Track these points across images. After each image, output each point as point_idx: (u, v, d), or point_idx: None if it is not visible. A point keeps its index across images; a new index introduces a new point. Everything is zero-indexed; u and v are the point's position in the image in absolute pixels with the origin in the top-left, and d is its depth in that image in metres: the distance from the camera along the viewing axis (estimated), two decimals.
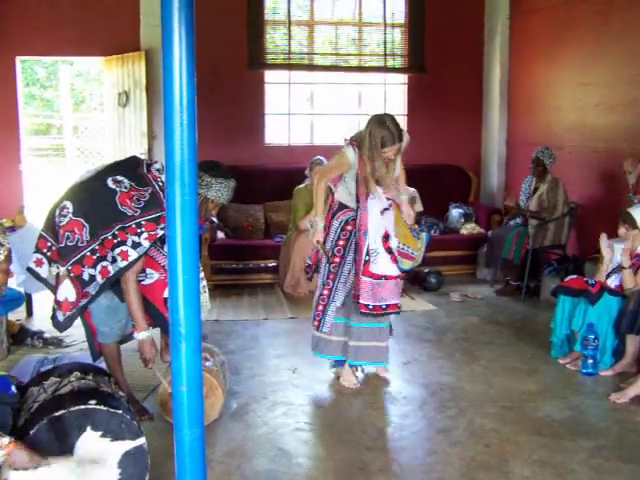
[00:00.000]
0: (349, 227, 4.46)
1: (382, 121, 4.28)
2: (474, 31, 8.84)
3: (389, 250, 4.45)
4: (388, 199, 4.48)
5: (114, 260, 3.57)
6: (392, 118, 4.34)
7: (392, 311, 4.53)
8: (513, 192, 7.44)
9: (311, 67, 8.65)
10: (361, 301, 4.42)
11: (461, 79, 8.84)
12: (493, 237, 7.28)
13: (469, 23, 8.81)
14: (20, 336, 5.36)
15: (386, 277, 4.44)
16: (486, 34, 8.83)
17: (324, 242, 4.51)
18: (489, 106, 8.89)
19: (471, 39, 8.84)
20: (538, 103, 7.98)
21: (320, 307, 4.57)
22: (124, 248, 3.55)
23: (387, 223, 4.47)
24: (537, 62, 7.97)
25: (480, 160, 9.10)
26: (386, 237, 4.44)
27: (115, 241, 3.55)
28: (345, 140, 4.49)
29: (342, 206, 4.50)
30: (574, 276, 5.33)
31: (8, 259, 2.68)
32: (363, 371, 4.80)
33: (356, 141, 4.41)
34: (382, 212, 4.44)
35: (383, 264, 4.43)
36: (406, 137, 4.42)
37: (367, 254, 4.39)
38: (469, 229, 7.96)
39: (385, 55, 8.66)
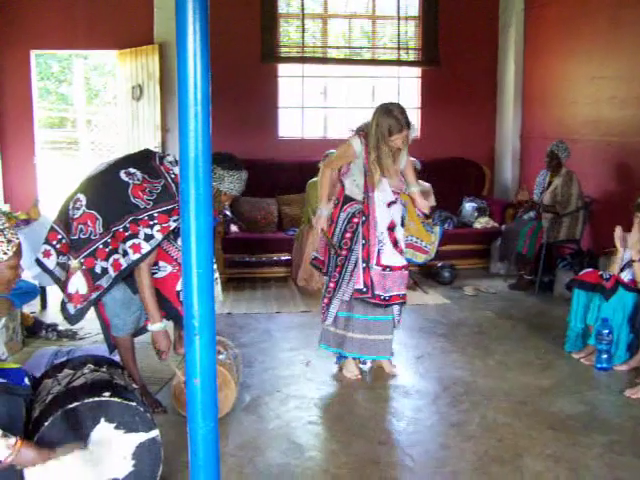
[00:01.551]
0: (355, 219, 4.45)
1: (389, 110, 4.28)
2: (488, 24, 8.79)
3: (395, 242, 4.46)
4: (395, 192, 4.48)
5: (125, 253, 3.58)
6: (399, 106, 4.33)
7: (396, 302, 4.52)
8: (525, 186, 7.39)
9: (324, 60, 8.64)
10: (376, 292, 4.42)
11: (475, 72, 8.81)
12: (507, 231, 7.26)
13: (483, 16, 8.77)
14: (34, 329, 5.39)
15: (391, 268, 4.45)
16: (500, 27, 8.79)
17: (332, 234, 4.52)
18: (503, 99, 8.85)
19: (485, 32, 8.80)
20: (552, 96, 7.93)
21: (326, 300, 4.57)
22: (136, 241, 3.54)
23: (394, 214, 4.48)
24: (551, 55, 7.92)
25: (494, 154, 9.07)
26: (391, 228, 4.44)
27: (126, 234, 3.55)
28: (351, 131, 4.49)
29: (349, 199, 4.51)
30: (589, 269, 5.30)
31: (18, 254, 2.67)
32: (364, 363, 4.77)
33: (363, 131, 4.41)
34: (389, 205, 4.45)
35: (388, 255, 4.44)
36: (414, 128, 4.41)
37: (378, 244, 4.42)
38: (483, 223, 7.93)
39: (399, 48, 8.63)
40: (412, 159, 4.74)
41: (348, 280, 4.46)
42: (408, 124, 4.29)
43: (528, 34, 8.43)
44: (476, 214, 8.02)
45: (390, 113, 4.25)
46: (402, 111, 4.29)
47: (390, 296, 4.47)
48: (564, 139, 6.86)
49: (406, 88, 9.02)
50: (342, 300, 4.50)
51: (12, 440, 2.37)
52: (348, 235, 4.46)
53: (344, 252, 4.47)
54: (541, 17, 8.15)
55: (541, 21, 8.16)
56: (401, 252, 4.50)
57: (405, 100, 8.87)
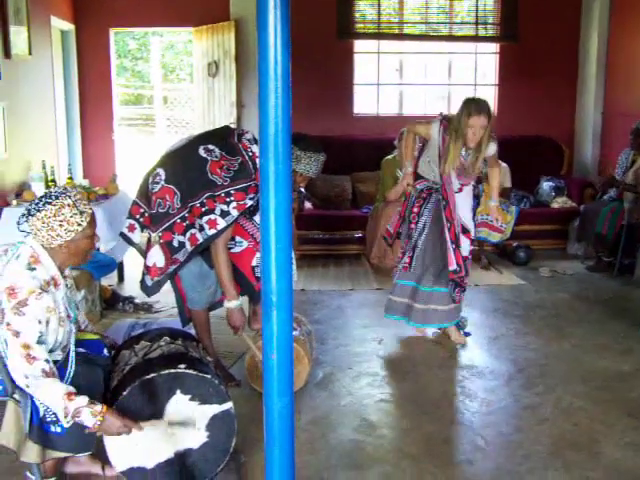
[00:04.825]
0: (423, 195, 4.67)
1: (474, 99, 4.47)
2: None
3: (463, 229, 4.64)
4: (463, 184, 4.63)
5: (202, 228, 3.62)
6: (485, 100, 4.46)
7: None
8: (610, 166, 7.14)
9: (400, 36, 8.53)
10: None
11: (556, 48, 8.55)
12: (586, 211, 7.07)
13: None
14: (112, 301, 5.54)
15: (465, 258, 4.64)
16: (584, 0, 8.49)
17: (404, 209, 4.78)
18: (585, 76, 8.57)
19: (568, 6, 8.50)
20: (638, 72, 7.64)
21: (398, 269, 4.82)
22: (212, 217, 3.57)
23: (461, 202, 4.60)
24: (638, 29, 7.61)
25: (574, 132, 8.82)
26: (464, 230, 4.63)
27: (203, 209, 3.59)
28: (440, 114, 4.60)
29: (419, 176, 4.73)
30: None
31: (92, 224, 2.72)
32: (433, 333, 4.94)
33: (447, 122, 4.48)
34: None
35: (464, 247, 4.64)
36: (493, 147, 4.54)
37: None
38: (560, 203, 7.75)
39: (477, 24, 8.46)
40: (503, 165, 4.74)
41: (419, 255, 4.68)
42: (488, 111, 4.38)
43: (615, 7, 8.12)
44: (553, 193, 7.84)
45: (474, 100, 4.43)
46: (486, 103, 4.42)
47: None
48: None
49: (484, 64, 8.85)
50: (415, 273, 4.71)
51: (98, 407, 2.45)
52: (415, 210, 4.68)
53: (412, 225, 4.69)
54: None
55: None
56: (469, 238, 4.69)
57: (482, 77, 8.73)
